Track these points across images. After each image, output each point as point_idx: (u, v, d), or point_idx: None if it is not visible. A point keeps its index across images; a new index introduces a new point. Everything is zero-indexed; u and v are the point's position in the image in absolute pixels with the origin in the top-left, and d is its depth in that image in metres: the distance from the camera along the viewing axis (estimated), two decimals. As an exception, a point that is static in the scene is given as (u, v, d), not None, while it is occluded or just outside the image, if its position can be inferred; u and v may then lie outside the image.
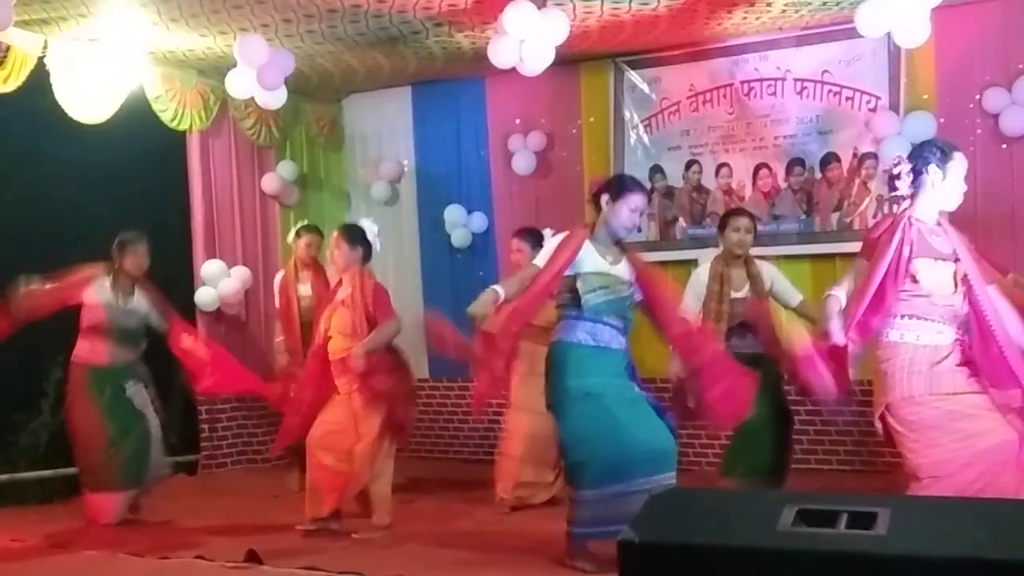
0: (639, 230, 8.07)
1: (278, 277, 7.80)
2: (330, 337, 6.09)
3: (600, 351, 5.01)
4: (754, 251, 6.33)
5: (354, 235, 6.22)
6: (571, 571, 4.98)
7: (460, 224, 8.80)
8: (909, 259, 4.45)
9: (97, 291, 6.53)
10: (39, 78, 6.72)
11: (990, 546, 2.40)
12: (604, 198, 5.12)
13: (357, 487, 6.00)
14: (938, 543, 2.44)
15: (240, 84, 7.14)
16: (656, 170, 8.21)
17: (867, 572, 2.42)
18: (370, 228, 6.29)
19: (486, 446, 8.70)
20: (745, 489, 5.46)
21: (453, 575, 4.97)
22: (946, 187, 4.61)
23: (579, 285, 5.00)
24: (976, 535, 2.47)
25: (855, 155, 7.52)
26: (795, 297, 6.24)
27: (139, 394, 6.59)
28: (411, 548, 5.71)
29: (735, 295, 6.14)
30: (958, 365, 4.48)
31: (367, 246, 6.21)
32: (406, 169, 9.24)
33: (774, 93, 7.80)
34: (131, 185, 7.66)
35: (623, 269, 5.12)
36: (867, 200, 7.48)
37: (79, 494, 6.78)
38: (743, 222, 6.22)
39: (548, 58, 6.51)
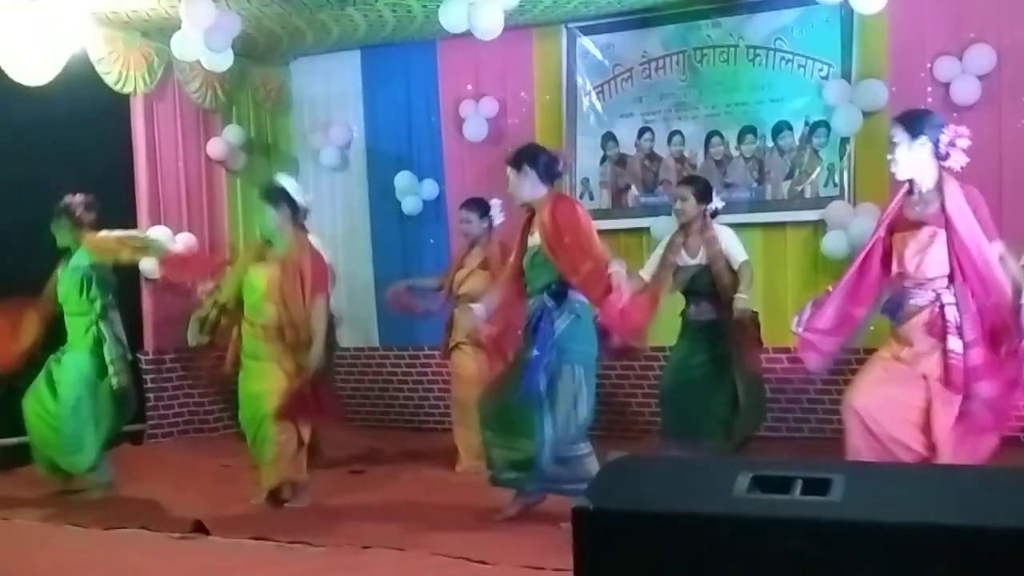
0: (591, 197, 8.10)
1: None
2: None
3: None
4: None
5: (273, 196, 6.06)
6: (525, 535, 4.99)
7: (411, 191, 8.71)
8: None
9: None
10: (-23, 38, 6.53)
11: (945, 512, 2.39)
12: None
13: None
14: (893, 509, 2.43)
15: (185, 46, 6.99)
16: (608, 137, 8.18)
17: (822, 538, 2.40)
18: (288, 184, 6.13)
19: (436, 415, 8.68)
20: (700, 456, 5.48)
21: (402, 543, 4.93)
22: None
23: None
24: (931, 501, 2.47)
25: (807, 123, 7.53)
26: (737, 258, 6.15)
27: None
28: (361, 517, 5.67)
29: (689, 262, 6.15)
30: None
31: (292, 204, 6.01)
32: (355, 135, 9.12)
33: (726, 60, 7.78)
34: (73, 149, 7.48)
35: None
36: (818, 169, 7.50)
37: (18, 463, 6.69)
38: (679, 191, 6.31)
39: (499, 22, 6.43)
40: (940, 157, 4.57)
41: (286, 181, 6.22)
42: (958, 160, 4.57)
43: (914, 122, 4.65)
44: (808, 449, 6.95)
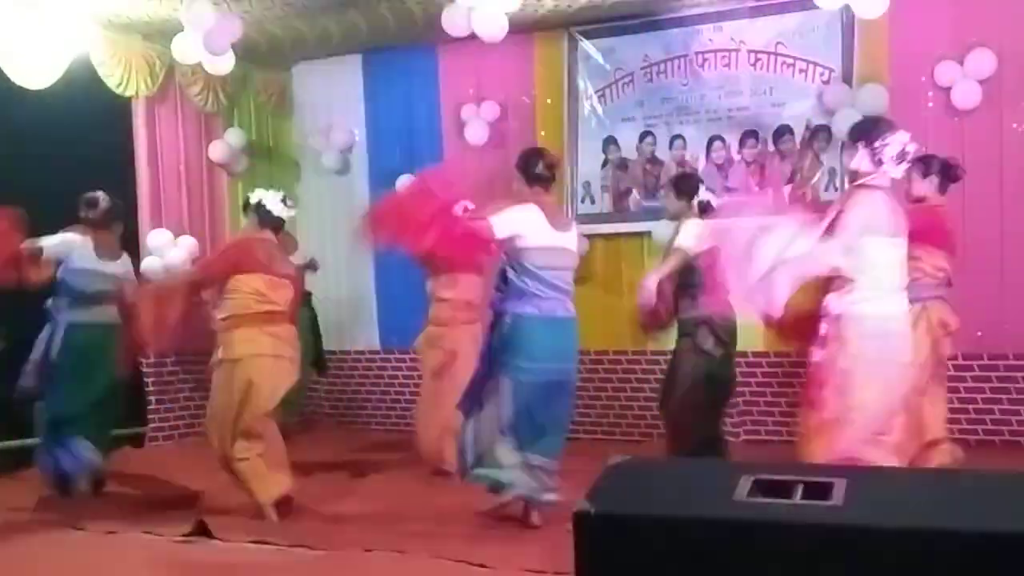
0: (593, 201, 8.10)
1: None
2: None
3: None
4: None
5: (244, 207, 6.12)
6: (526, 539, 4.99)
7: (412, 194, 8.70)
8: None
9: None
10: (-21, 42, 6.54)
11: (944, 516, 2.40)
12: None
13: None
14: (893, 513, 2.44)
15: (186, 49, 7.00)
16: (610, 141, 8.18)
17: (823, 542, 2.41)
18: (261, 195, 6.07)
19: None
20: (700, 460, 5.47)
21: (403, 547, 4.93)
22: None
23: None
24: (930, 505, 2.47)
25: (808, 127, 7.54)
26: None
27: None
28: (362, 520, 5.67)
29: None
30: None
31: (259, 210, 5.95)
32: (357, 138, 9.12)
33: (728, 64, 7.79)
34: (74, 152, 7.48)
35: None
36: (819, 173, 7.50)
37: (22, 466, 6.70)
38: (663, 188, 6.53)
39: (502, 26, 6.43)
40: (875, 163, 4.54)
41: (262, 194, 6.13)
42: (892, 170, 4.52)
43: (854, 129, 4.70)
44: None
